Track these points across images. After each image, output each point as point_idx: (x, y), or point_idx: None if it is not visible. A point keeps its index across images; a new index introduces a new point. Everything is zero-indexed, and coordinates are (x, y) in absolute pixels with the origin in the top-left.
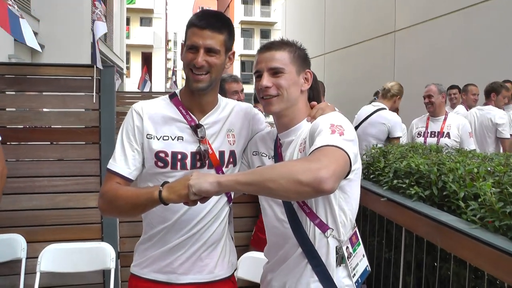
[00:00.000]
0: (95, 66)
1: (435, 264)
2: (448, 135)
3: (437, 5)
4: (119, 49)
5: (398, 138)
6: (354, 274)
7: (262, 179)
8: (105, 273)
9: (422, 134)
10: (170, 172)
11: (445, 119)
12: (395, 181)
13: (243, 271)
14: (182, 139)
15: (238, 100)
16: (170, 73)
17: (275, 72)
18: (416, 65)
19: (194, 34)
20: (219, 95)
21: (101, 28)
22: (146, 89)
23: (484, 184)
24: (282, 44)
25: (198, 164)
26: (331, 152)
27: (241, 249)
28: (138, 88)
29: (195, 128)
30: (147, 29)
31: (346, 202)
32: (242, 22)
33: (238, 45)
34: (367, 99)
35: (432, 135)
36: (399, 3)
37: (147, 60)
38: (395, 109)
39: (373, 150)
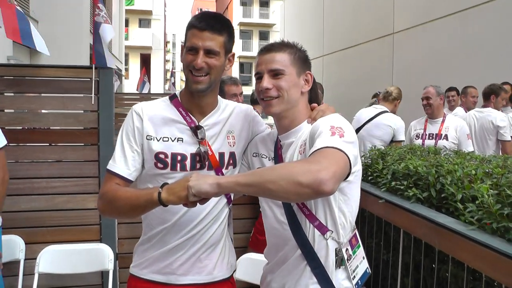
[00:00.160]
0: (93, 68)
1: (433, 265)
2: (446, 137)
3: (436, 7)
4: (118, 50)
5: (401, 141)
6: (354, 276)
7: (262, 180)
8: (104, 274)
9: (420, 136)
10: (170, 173)
11: (443, 121)
12: (393, 183)
13: (241, 272)
14: (182, 141)
15: None
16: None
17: (276, 74)
18: (414, 67)
19: (194, 36)
20: (219, 96)
21: (110, 31)
22: (145, 91)
23: (481, 186)
24: (283, 46)
25: (198, 165)
26: (331, 154)
27: (240, 251)
28: (136, 90)
29: (195, 129)
30: (146, 30)
31: (346, 204)
32: (240, 24)
33: (237, 47)
34: (365, 101)
35: (430, 137)
36: (397, 5)
37: (145, 62)
38: (394, 113)
39: (371, 152)
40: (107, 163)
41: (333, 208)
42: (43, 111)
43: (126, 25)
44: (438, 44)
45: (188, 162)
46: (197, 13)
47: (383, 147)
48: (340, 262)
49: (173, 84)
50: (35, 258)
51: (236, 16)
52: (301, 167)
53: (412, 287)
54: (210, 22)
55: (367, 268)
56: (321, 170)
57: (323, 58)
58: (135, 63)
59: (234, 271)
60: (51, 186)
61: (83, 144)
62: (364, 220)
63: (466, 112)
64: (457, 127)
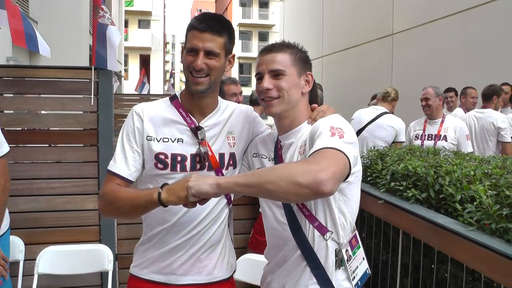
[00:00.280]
0: (93, 69)
1: (433, 266)
2: (445, 137)
3: (435, 8)
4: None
5: (402, 142)
6: (354, 277)
7: (261, 181)
8: (103, 275)
9: (419, 136)
10: (170, 174)
11: (442, 122)
12: (392, 184)
13: (240, 273)
14: (182, 141)
15: (237, 102)
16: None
17: (276, 74)
18: (414, 68)
19: (194, 37)
20: (219, 97)
21: (117, 33)
22: (144, 92)
23: (479, 187)
24: (283, 46)
25: (198, 166)
26: (330, 155)
27: (239, 251)
28: (135, 90)
29: (195, 130)
30: (145, 31)
31: (346, 205)
32: (240, 25)
33: (236, 48)
34: (364, 102)
35: (429, 138)
36: (397, 6)
37: (145, 63)
38: (392, 113)
39: (370, 153)
40: (107, 164)
41: (333, 208)
42: (42, 112)
43: (126, 26)
44: (437, 45)
45: (188, 163)
46: (196, 14)
47: (382, 148)
48: (340, 262)
49: (173, 85)
50: (35, 259)
51: (236, 17)
52: (300, 167)
53: (411, 287)
54: (210, 23)
55: (367, 269)
56: (321, 171)
57: (323, 59)
58: (134, 64)
59: (234, 271)
60: (50, 187)
61: (82, 145)
62: (363, 220)
63: (465, 112)
64: (456, 128)
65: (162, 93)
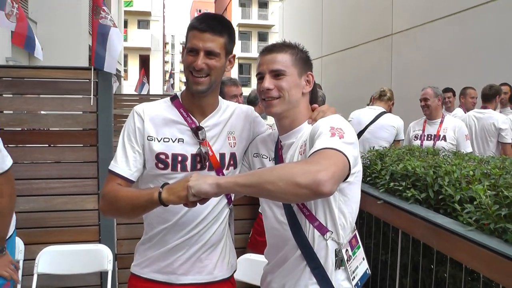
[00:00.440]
0: (92, 69)
1: (432, 266)
2: (444, 138)
3: (434, 9)
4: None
5: (401, 140)
6: (354, 277)
7: (261, 181)
8: (103, 275)
9: (419, 137)
10: (171, 174)
11: (441, 122)
12: (391, 184)
13: (240, 273)
14: (183, 141)
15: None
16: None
17: (277, 74)
18: (413, 68)
19: (195, 37)
20: (220, 97)
21: (119, 36)
22: (144, 92)
23: (478, 187)
24: (284, 47)
25: (198, 166)
26: (330, 155)
27: (239, 251)
28: (135, 91)
29: (196, 130)
30: (144, 31)
31: (346, 205)
32: (239, 25)
33: (236, 48)
34: (364, 102)
35: (429, 138)
36: (396, 6)
37: (144, 63)
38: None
39: (369, 153)
40: (106, 164)
41: (333, 208)
42: (42, 112)
43: (125, 26)
44: (437, 45)
45: (188, 163)
46: (195, 14)
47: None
48: (340, 262)
49: (172, 85)
50: (34, 259)
51: (235, 17)
52: (300, 168)
53: (410, 287)
54: (211, 24)
55: (367, 269)
56: (320, 171)
57: (322, 59)
58: (134, 64)
59: (235, 271)
60: (50, 187)
61: (82, 145)
62: (363, 220)
63: (465, 113)
64: (455, 128)
65: (161, 93)
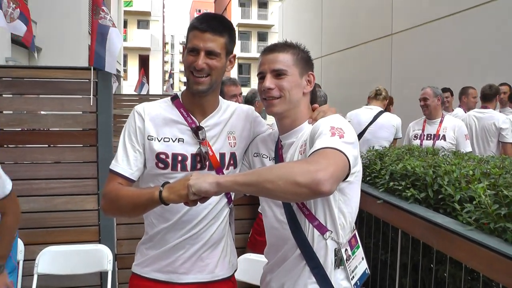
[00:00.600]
0: (92, 69)
1: (431, 265)
2: (444, 137)
3: (434, 8)
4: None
5: (400, 138)
6: (353, 277)
7: (260, 180)
8: (103, 275)
9: (418, 136)
10: (171, 173)
11: (441, 121)
12: (391, 183)
13: (239, 272)
14: (183, 141)
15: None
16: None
17: (278, 74)
18: (413, 68)
19: (195, 37)
20: (220, 97)
21: (119, 36)
22: (144, 92)
23: (478, 187)
24: (286, 46)
25: (198, 165)
26: (330, 155)
27: (238, 251)
28: (135, 91)
29: (196, 130)
30: (144, 31)
31: (345, 205)
32: (239, 25)
33: (235, 48)
34: (364, 102)
35: (428, 138)
36: (396, 6)
37: (144, 63)
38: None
39: (369, 153)
40: (106, 164)
41: (333, 208)
42: (41, 112)
43: (125, 26)
44: (436, 45)
45: (188, 163)
46: (195, 14)
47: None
48: (339, 262)
49: (171, 85)
50: (34, 259)
51: (235, 17)
52: (299, 167)
53: (410, 287)
54: (211, 24)
55: (366, 268)
56: (319, 171)
57: (322, 59)
58: (133, 64)
59: (236, 270)
60: (50, 187)
61: (81, 145)
62: (362, 220)
63: (465, 112)
64: (455, 128)
65: (161, 93)
